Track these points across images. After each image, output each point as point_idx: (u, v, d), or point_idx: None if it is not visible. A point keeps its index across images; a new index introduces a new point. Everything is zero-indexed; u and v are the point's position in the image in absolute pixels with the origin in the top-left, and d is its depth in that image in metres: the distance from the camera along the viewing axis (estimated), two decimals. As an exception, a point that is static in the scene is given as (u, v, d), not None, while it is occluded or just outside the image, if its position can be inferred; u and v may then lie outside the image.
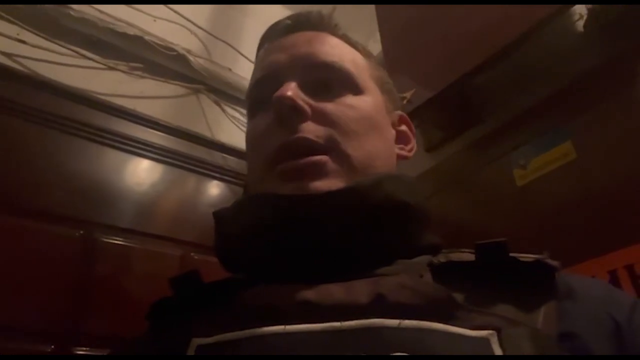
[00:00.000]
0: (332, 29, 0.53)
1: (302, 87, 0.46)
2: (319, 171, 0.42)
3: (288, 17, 0.54)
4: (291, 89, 0.44)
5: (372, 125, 0.48)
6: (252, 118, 0.51)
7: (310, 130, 0.43)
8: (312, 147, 0.43)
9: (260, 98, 0.49)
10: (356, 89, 0.48)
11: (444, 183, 1.17)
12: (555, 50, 0.99)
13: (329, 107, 0.46)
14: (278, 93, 0.44)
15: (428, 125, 1.27)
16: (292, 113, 0.44)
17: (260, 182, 0.46)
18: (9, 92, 1.06)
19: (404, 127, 0.56)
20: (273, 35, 0.54)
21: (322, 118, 0.45)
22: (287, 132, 0.43)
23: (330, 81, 0.48)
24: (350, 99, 0.47)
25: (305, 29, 0.52)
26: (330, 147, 0.43)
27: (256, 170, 0.47)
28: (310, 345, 0.32)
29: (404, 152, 0.54)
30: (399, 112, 0.56)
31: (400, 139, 0.55)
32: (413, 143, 0.56)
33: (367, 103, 0.48)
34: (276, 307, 0.35)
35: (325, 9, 0.55)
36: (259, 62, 0.53)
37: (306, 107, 0.44)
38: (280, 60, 0.49)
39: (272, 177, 0.44)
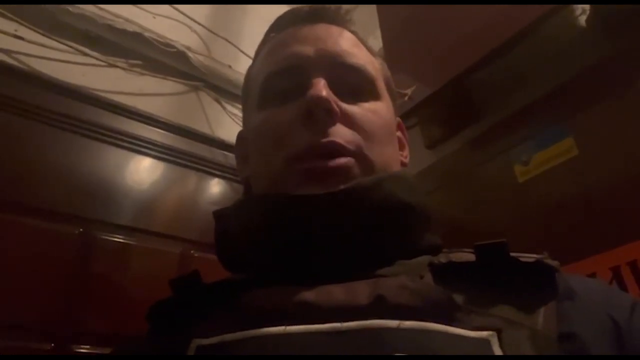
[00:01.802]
0: (348, 25, 0.53)
1: (330, 85, 0.45)
2: (345, 174, 0.42)
3: (306, 6, 0.53)
4: (325, 89, 0.43)
5: (390, 132, 0.49)
6: (265, 108, 0.48)
7: (340, 133, 0.43)
8: (340, 152, 0.42)
9: (282, 89, 0.47)
10: (376, 95, 0.49)
11: (445, 180, 1.17)
12: (558, 46, 0.99)
13: (355, 111, 0.46)
14: (314, 93, 0.43)
15: (428, 122, 1.27)
16: (324, 114, 0.43)
17: (276, 177, 0.44)
18: (7, 88, 1.05)
19: (399, 134, 0.55)
20: (290, 22, 0.52)
21: (349, 121, 0.45)
22: (317, 134, 0.43)
23: (357, 85, 0.48)
24: (372, 105, 0.47)
25: (324, 21, 0.51)
26: (356, 152, 0.43)
27: (269, 164, 0.45)
28: (310, 346, 0.31)
29: (402, 158, 0.54)
30: (398, 119, 0.57)
31: (399, 145, 0.55)
32: (407, 151, 0.57)
33: (385, 109, 0.49)
34: (276, 308, 0.34)
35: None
36: (274, 48, 0.51)
37: (338, 110, 0.44)
38: (307, 52, 0.47)
39: (294, 173, 0.42)
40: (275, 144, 0.45)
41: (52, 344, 0.92)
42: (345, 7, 0.54)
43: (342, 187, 0.40)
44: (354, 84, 0.47)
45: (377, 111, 0.47)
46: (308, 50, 0.48)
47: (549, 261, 0.38)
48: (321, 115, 0.43)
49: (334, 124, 0.43)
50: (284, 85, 0.47)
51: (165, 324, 0.41)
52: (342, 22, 0.52)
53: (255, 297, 0.37)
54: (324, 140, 0.42)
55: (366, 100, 0.47)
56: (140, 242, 1.12)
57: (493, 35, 1.01)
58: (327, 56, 0.47)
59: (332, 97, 0.44)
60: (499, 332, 0.32)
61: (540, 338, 0.33)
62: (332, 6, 0.53)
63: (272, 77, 0.48)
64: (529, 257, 0.38)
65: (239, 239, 0.44)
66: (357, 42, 0.52)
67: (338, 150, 0.42)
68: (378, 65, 0.52)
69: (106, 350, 0.96)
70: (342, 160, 0.42)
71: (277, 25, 0.54)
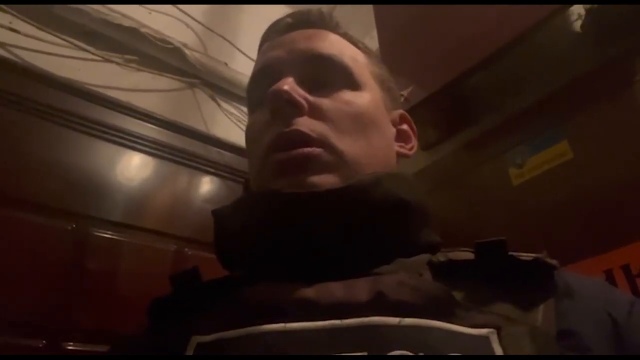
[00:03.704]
0: (333, 27, 0.53)
1: (300, 82, 0.45)
2: (314, 165, 0.42)
3: (288, 15, 0.54)
4: (287, 83, 0.44)
5: (368, 122, 0.47)
6: (251, 112, 0.51)
7: (305, 124, 0.43)
8: (305, 141, 0.42)
9: (258, 93, 0.48)
10: (354, 85, 0.48)
11: (440, 182, 1.17)
12: (553, 50, 1.00)
13: (325, 102, 0.45)
14: (274, 87, 0.43)
15: (424, 124, 1.27)
16: (288, 107, 0.43)
17: (257, 174, 0.45)
18: (1, 81, 1.04)
19: (405, 126, 0.55)
20: (273, 33, 0.53)
21: (317, 113, 0.44)
22: (282, 125, 0.43)
23: (328, 75, 0.47)
24: (347, 95, 0.47)
25: (305, 27, 0.51)
26: (324, 142, 0.43)
27: (253, 164, 0.47)
28: (310, 343, 0.31)
29: (404, 150, 0.53)
30: (400, 111, 0.55)
31: (401, 137, 0.54)
32: (414, 142, 0.55)
33: (364, 99, 0.48)
34: (276, 305, 0.34)
35: (324, 7, 0.54)
36: (257, 58, 0.53)
37: (302, 101, 0.44)
38: (278, 55, 0.49)
39: (267, 169, 0.43)
40: (254, 144, 0.47)
41: (44, 341, 0.91)
42: (327, 10, 0.55)
43: (316, 178, 0.41)
44: (325, 74, 0.47)
45: (351, 102, 0.46)
46: (280, 53, 0.49)
47: (548, 259, 0.38)
48: (284, 108, 0.43)
49: (300, 115, 0.43)
50: (260, 89, 0.48)
51: (165, 320, 0.40)
52: (324, 26, 0.52)
53: (255, 294, 0.37)
54: (287, 129, 0.42)
55: (340, 91, 0.47)
56: (133, 239, 1.11)
57: (489, 40, 1.02)
58: (298, 54, 0.48)
59: (296, 90, 0.44)
60: (498, 329, 0.32)
61: (540, 335, 0.33)
62: (314, 12, 0.53)
63: (250, 83, 0.51)
64: (527, 256, 0.38)
65: (237, 237, 0.44)
66: (335, 37, 0.51)
67: (302, 139, 0.42)
68: (362, 59, 0.52)
69: (98, 347, 0.96)
70: (307, 150, 0.42)
71: (264, 38, 0.55)
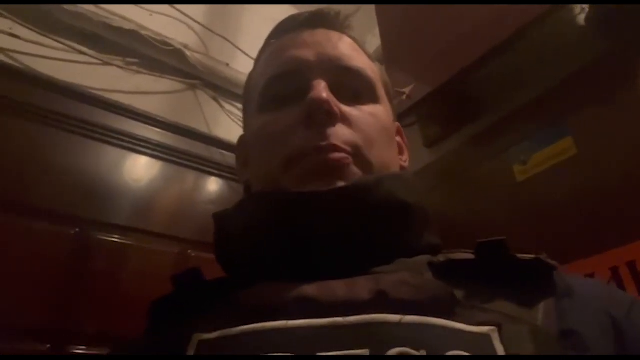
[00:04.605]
0: (347, 30, 0.54)
1: (330, 88, 0.46)
2: (342, 171, 0.42)
3: (305, 12, 0.54)
4: (326, 92, 0.44)
5: (388, 135, 0.49)
6: (265, 111, 0.49)
7: (339, 136, 0.44)
8: (338, 151, 0.43)
9: (283, 93, 0.48)
10: (376, 99, 0.50)
11: (444, 178, 1.17)
12: (557, 44, 0.98)
13: (354, 113, 0.46)
14: (315, 95, 0.44)
15: (427, 121, 1.27)
16: (325, 117, 0.44)
17: (275, 178, 0.45)
18: (2, 87, 1.05)
19: (398, 139, 0.56)
20: (289, 28, 0.53)
21: (348, 123, 0.45)
22: (317, 136, 0.43)
23: (357, 88, 0.49)
24: (371, 108, 0.48)
25: (323, 27, 0.52)
26: (354, 153, 0.44)
27: (270, 167, 0.45)
28: (311, 340, 0.31)
29: (401, 162, 0.54)
30: (397, 123, 0.57)
31: (399, 149, 0.55)
32: (407, 155, 0.57)
33: (384, 113, 0.50)
34: (278, 304, 0.34)
35: (324, 8, 0.55)
36: (274, 53, 0.52)
37: (338, 112, 0.45)
38: (307, 56, 0.48)
39: (293, 174, 0.43)
40: (275, 146, 0.46)
41: (49, 345, 0.92)
42: (344, 13, 0.55)
43: (343, 184, 0.41)
44: (354, 87, 0.48)
45: (376, 114, 0.48)
46: (308, 54, 0.48)
47: (548, 260, 0.38)
48: (321, 118, 0.43)
49: (333, 125, 0.44)
50: (284, 89, 0.48)
51: (166, 319, 0.41)
52: (341, 28, 0.53)
53: (257, 292, 0.37)
54: (324, 143, 0.43)
55: (365, 104, 0.48)
56: (136, 242, 1.11)
57: (492, 34, 1.01)
58: (327, 60, 0.48)
59: (333, 99, 0.44)
60: (499, 327, 0.32)
61: (540, 334, 0.33)
62: (332, 12, 0.54)
63: (273, 81, 0.49)
64: (527, 256, 0.38)
65: (239, 238, 0.44)
66: (356, 47, 0.52)
67: (336, 151, 0.43)
68: (377, 70, 0.53)
69: (103, 351, 0.96)
70: (340, 155, 0.42)
71: (277, 32, 0.54)
